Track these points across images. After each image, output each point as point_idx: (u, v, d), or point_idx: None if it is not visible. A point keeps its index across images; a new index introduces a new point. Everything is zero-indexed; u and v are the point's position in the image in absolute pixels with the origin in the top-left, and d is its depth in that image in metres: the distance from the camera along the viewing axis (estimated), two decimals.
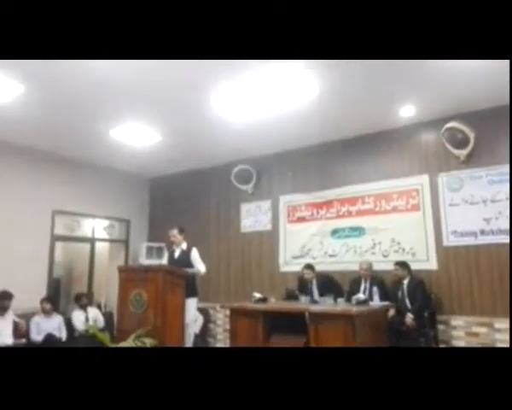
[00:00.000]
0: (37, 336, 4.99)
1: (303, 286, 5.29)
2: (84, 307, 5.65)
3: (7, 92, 4.11)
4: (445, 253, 4.87)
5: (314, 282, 5.27)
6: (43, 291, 5.80)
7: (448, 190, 4.93)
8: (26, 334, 4.97)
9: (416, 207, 5.11)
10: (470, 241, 4.71)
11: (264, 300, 4.78)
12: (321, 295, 4.81)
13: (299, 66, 3.68)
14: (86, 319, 5.46)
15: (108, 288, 6.68)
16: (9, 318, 4.85)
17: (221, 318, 6.45)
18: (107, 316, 6.01)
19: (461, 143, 4.74)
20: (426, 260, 4.94)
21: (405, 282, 4.76)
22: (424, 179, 5.10)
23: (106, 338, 3.95)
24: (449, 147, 4.86)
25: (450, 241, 4.84)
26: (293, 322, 4.10)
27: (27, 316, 5.10)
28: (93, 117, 4.85)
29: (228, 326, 5.09)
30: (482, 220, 4.64)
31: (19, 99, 4.26)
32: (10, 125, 5.04)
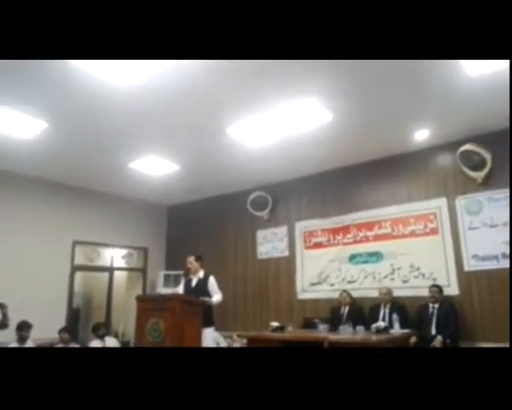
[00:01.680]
0: None
1: (335, 316, 5.19)
2: (101, 337, 5.67)
3: (29, 128, 4.29)
4: (466, 277, 4.74)
5: (347, 310, 5.20)
6: (62, 321, 5.86)
7: (467, 213, 4.84)
8: None
9: (434, 231, 5.03)
10: (492, 265, 4.58)
11: (281, 328, 4.72)
12: (354, 325, 4.68)
13: (312, 100, 3.82)
14: None
15: (126, 317, 6.70)
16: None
17: (238, 347, 6.37)
18: (125, 346, 6.00)
19: (477, 165, 4.69)
20: (447, 286, 4.81)
21: (435, 306, 4.63)
22: (442, 202, 5.03)
23: None
24: (465, 170, 4.81)
25: (471, 265, 4.72)
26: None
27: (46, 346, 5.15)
28: (113, 150, 5.01)
29: None
30: (502, 243, 4.52)
31: (42, 135, 4.44)
32: (33, 159, 5.25)
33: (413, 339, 4.43)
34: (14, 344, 4.79)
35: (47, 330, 5.34)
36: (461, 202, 4.90)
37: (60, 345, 5.21)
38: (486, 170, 4.67)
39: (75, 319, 6.87)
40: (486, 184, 4.73)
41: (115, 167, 5.57)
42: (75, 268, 6.39)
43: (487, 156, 4.61)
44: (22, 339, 4.83)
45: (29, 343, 4.94)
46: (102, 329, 5.81)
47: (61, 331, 5.34)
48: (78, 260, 6.49)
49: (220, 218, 7.13)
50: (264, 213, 6.53)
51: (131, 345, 5.41)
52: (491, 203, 4.67)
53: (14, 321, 4.85)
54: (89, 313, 7.55)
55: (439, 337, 4.32)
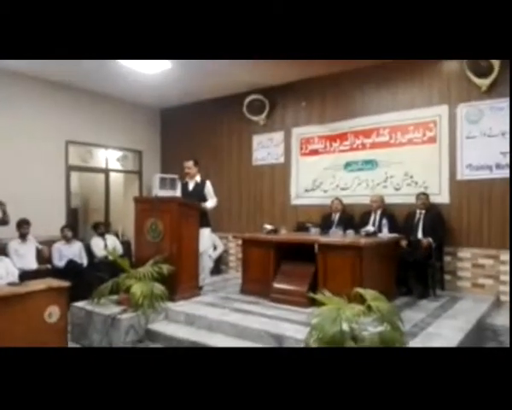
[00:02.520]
0: (59, 262, 5.27)
1: (326, 222, 5.34)
2: (102, 235, 5.88)
3: None
4: (458, 186, 4.84)
5: (337, 216, 5.35)
6: (61, 220, 6.03)
7: (467, 121, 4.78)
8: (49, 260, 5.25)
9: (432, 140, 5.01)
10: (485, 175, 4.66)
11: (275, 231, 4.90)
12: (344, 229, 4.85)
13: None
14: (105, 246, 5.70)
15: (125, 218, 6.88)
16: (32, 244, 5.11)
17: (233, 247, 6.68)
18: (125, 244, 6.25)
19: (484, 71, 4.52)
20: (438, 194, 4.93)
21: (422, 212, 4.79)
22: (443, 110, 4.93)
23: (125, 264, 4.16)
24: (471, 76, 4.64)
25: (464, 175, 4.79)
26: (303, 253, 4.24)
27: (49, 243, 5.35)
28: None
29: (240, 255, 5.29)
30: (499, 154, 4.54)
31: None
32: None
33: (404, 242, 4.64)
34: (16, 241, 4.96)
35: (48, 228, 5.52)
36: (462, 110, 4.81)
37: (62, 242, 5.41)
38: (492, 77, 4.51)
39: (74, 218, 7.05)
40: (490, 92, 4.61)
41: (107, 64, 5.28)
42: (70, 168, 6.39)
43: (495, 63, 4.43)
44: (23, 236, 4.99)
45: (32, 240, 5.12)
46: (102, 227, 6.01)
47: (63, 229, 5.50)
48: (73, 161, 6.46)
49: (215, 122, 6.99)
50: (261, 118, 6.39)
51: (132, 244, 5.62)
52: (493, 112, 4.60)
53: (14, 220, 4.99)
54: (87, 214, 7.74)
55: (429, 239, 4.52)
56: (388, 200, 5.20)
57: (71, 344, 3.75)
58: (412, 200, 4.94)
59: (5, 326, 3.11)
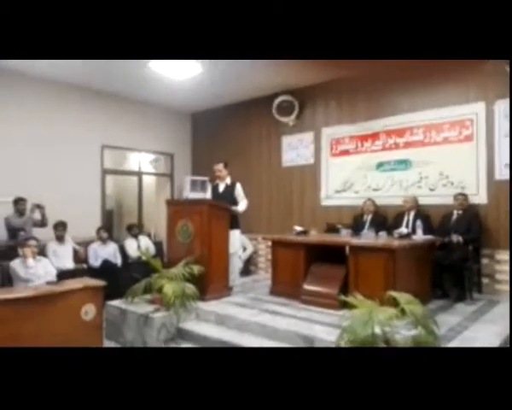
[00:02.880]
0: (95, 262, 5.44)
1: (358, 224, 5.27)
2: (135, 236, 6.04)
3: None
4: (496, 186, 4.64)
5: (369, 218, 5.26)
6: (97, 222, 6.25)
7: (505, 118, 4.58)
8: (85, 260, 5.44)
9: (468, 138, 4.83)
10: None
11: (304, 232, 4.86)
12: (377, 231, 4.76)
13: None
14: (138, 246, 5.84)
15: (157, 219, 7.04)
16: (69, 245, 5.30)
17: (263, 248, 6.69)
18: (158, 245, 6.39)
19: None
20: (475, 194, 4.75)
21: (459, 213, 4.62)
22: (480, 108, 4.75)
23: (158, 264, 4.24)
24: (508, 70, 4.43)
25: (502, 174, 4.59)
26: (334, 254, 4.18)
27: (85, 244, 5.55)
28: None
29: (269, 256, 5.29)
30: None
31: None
32: (63, 63, 5.12)
33: (455, 238, 4.39)
34: (54, 241, 5.17)
35: (84, 229, 5.72)
36: (500, 106, 4.61)
37: (97, 243, 5.59)
38: None
39: (109, 220, 7.28)
40: None
41: (136, 67, 5.42)
42: (105, 171, 6.61)
43: None
44: (59, 238, 5.19)
45: (69, 241, 5.32)
46: (136, 229, 6.17)
47: (99, 230, 5.69)
48: (107, 165, 6.68)
49: (245, 124, 7.03)
50: (290, 119, 6.38)
51: (164, 245, 5.75)
52: None
53: (52, 222, 5.21)
54: (121, 216, 7.97)
55: (459, 237, 4.34)
56: (423, 201, 5.06)
57: (106, 341, 3.87)
58: (449, 201, 4.78)
59: (44, 323, 3.25)
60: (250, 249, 6.61)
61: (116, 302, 4.21)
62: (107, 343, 3.88)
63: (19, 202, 5.10)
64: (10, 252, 4.44)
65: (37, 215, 5.17)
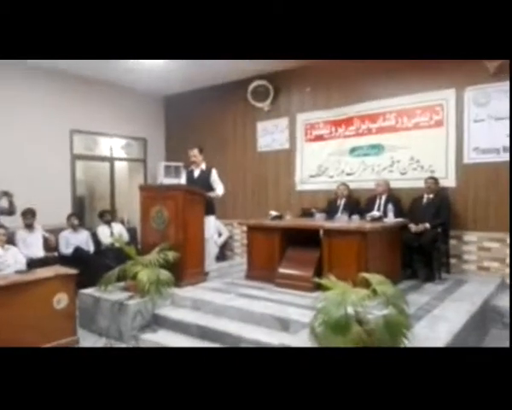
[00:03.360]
0: (66, 250, 5.32)
1: (331, 208, 5.32)
2: (108, 223, 5.92)
3: None
4: (464, 170, 4.80)
5: (343, 202, 5.33)
6: (67, 208, 6.07)
7: (474, 105, 4.71)
8: (56, 248, 5.30)
9: (439, 124, 4.95)
10: (492, 158, 4.61)
11: (280, 217, 4.89)
12: (350, 215, 4.83)
13: None
14: (111, 233, 5.74)
15: (130, 205, 6.91)
16: (38, 233, 5.15)
17: (238, 233, 6.70)
18: (131, 231, 6.29)
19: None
20: (445, 178, 4.89)
21: (430, 197, 4.75)
22: (450, 94, 4.86)
23: (132, 251, 4.18)
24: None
25: (470, 158, 4.75)
26: (308, 238, 4.24)
27: (55, 231, 5.40)
28: None
29: (245, 241, 5.31)
30: (506, 137, 4.48)
31: None
32: None
33: (413, 227, 4.53)
34: (23, 229, 5.01)
35: (54, 217, 5.56)
36: (469, 93, 4.74)
37: (69, 230, 5.45)
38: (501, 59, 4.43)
39: (80, 207, 7.09)
40: (498, 74, 4.53)
41: None
42: (75, 157, 6.42)
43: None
44: (28, 226, 5.03)
45: (38, 229, 5.16)
46: (108, 215, 6.04)
47: (69, 217, 5.54)
48: (77, 150, 6.48)
49: (219, 108, 6.95)
50: (265, 104, 6.35)
51: (137, 231, 5.66)
52: (501, 95, 4.52)
53: (20, 209, 5.03)
54: (93, 202, 7.77)
55: (426, 225, 4.49)
56: (394, 185, 5.17)
57: (79, 330, 3.81)
58: (419, 184, 4.91)
59: (15, 313, 3.16)
60: (226, 235, 6.61)
61: (89, 290, 4.14)
62: (81, 332, 3.82)
63: None
64: None
65: (4, 203, 4.97)
